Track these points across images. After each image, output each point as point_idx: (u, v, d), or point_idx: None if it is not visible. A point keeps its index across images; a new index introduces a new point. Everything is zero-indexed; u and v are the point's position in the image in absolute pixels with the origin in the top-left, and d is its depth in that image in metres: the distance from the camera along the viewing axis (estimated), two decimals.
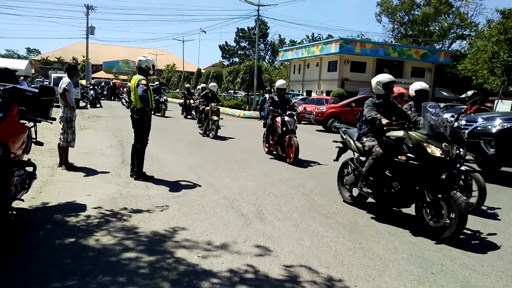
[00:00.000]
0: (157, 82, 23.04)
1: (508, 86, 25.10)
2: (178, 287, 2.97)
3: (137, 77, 6.21)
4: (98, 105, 24.07)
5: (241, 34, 73.46)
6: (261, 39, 67.60)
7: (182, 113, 20.13)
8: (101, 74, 69.39)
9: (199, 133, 13.00)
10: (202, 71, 45.97)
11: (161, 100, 19.75)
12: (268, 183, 6.50)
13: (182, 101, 21.26)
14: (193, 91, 21.13)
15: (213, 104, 12.28)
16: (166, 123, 16.31)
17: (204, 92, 13.59)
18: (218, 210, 4.92)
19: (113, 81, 42.67)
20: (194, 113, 14.92)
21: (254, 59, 33.34)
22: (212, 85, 13.29)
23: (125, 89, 28.92)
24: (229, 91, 39.38)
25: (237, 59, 72.87)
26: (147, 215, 4.56)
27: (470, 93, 10.61)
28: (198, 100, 14.64)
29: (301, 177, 7.14)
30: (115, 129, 12.92)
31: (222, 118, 12.74)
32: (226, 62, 73.12)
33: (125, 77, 60.22)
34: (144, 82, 6.10)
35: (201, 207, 4.99)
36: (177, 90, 48.94)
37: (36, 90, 4.03)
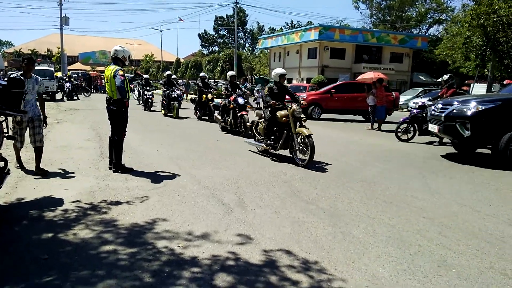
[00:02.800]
0: (132, 75, 20.70)
1: (482, 70, 25.68)
2: (158, 277, 2.95)
3: (112, 67, 6.06)
4: (75, 98, 23.59)
5: (219, 22, 72.74)
6: (240, 27, 67.04)
7: (196, 113, 15.19)
8: (77, 65, 67.65)
9: (252, 151, 8.45)
10: (181, 60, 45.35)
11: (173, 95, 15.32)
12: (249, 172, 6.50)
13: (196, 96, 16.30)
14: (210, 81, 16.12)
15: (295, 106, 7.19)
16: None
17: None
18: (199, 200, 4.90)
19: (89, 73, 41.71)
20: (220, 117, 11.57)
21: (233, 48, 33.06)
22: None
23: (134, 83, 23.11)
24: (209, 80, 39.11)
25: (216, 48, 72.24)
26: (127, 207, 4.50)
27: (446, 77, 10.84)
28: (227, 98, 10.93)
29: (282, 164, 7.17)
30: (93, 121, 12.66)
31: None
32: (205, 51, 72.41)
33: (102, 68, 58.84)
34: (121, 72, 5.96)
35: (182, 198, 4.95)
36: (160, 81, 48.14)
37: (5, 83, 3.88)
